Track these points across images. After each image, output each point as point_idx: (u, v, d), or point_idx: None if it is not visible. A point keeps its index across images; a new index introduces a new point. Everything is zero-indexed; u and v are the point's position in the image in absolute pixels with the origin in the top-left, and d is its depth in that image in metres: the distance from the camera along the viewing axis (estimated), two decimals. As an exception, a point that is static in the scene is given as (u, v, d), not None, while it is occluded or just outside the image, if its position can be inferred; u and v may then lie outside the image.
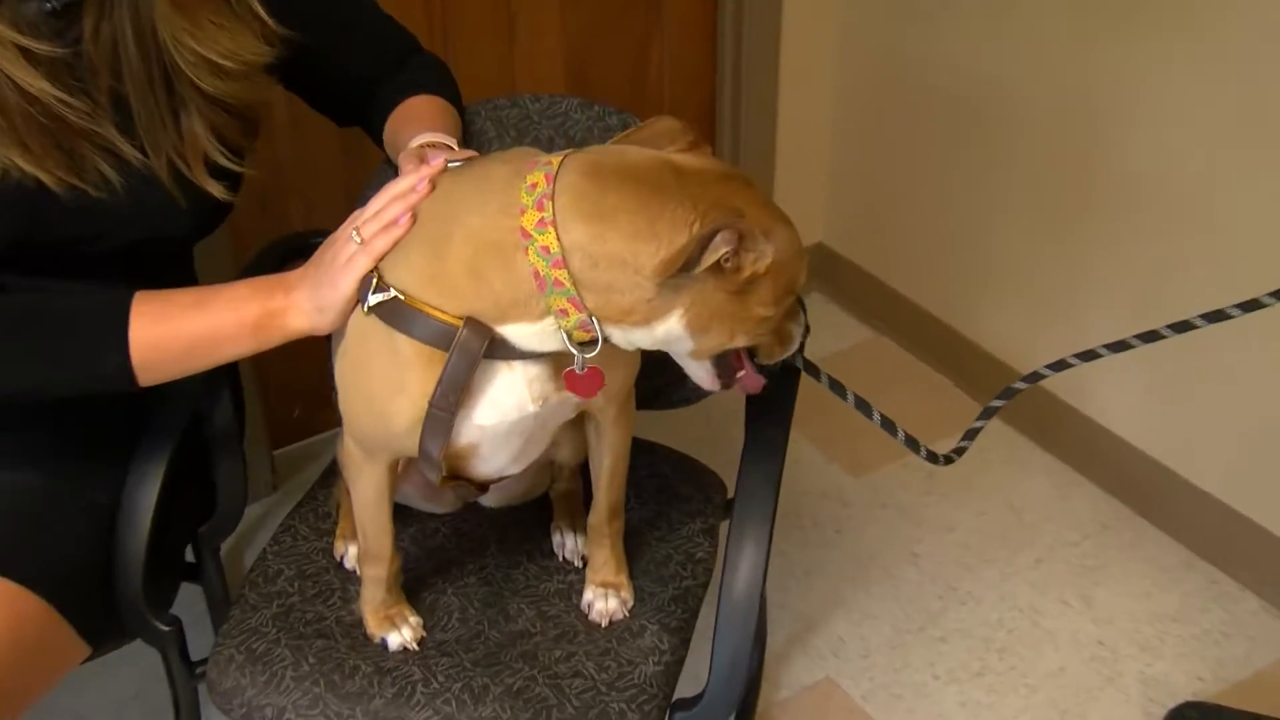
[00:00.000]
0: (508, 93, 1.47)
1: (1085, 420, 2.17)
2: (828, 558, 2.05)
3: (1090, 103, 1.98)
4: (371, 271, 1.06)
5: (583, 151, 1.04)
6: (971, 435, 1.29)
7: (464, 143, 1.36)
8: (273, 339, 1.13)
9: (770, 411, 1.31)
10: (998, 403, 1.28)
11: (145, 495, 1.27)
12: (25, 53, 1.08)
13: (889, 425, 1.23)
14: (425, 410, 1.05)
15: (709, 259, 0.95)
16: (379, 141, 1.38)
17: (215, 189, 1.21)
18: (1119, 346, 1.20)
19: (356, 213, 1.11)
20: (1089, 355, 1.22)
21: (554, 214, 0.97)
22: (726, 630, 1.20)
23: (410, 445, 1.09)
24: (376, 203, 1.08)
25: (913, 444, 1.24)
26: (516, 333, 1.03)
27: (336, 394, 1.16)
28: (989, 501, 2.17)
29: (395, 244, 1.05)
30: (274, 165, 1.98)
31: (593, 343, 1.03)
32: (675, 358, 1.09)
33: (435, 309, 1.02)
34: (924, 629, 1.92)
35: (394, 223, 1.05)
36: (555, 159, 1.01)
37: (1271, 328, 1.62)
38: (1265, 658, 1.84)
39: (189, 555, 1.50)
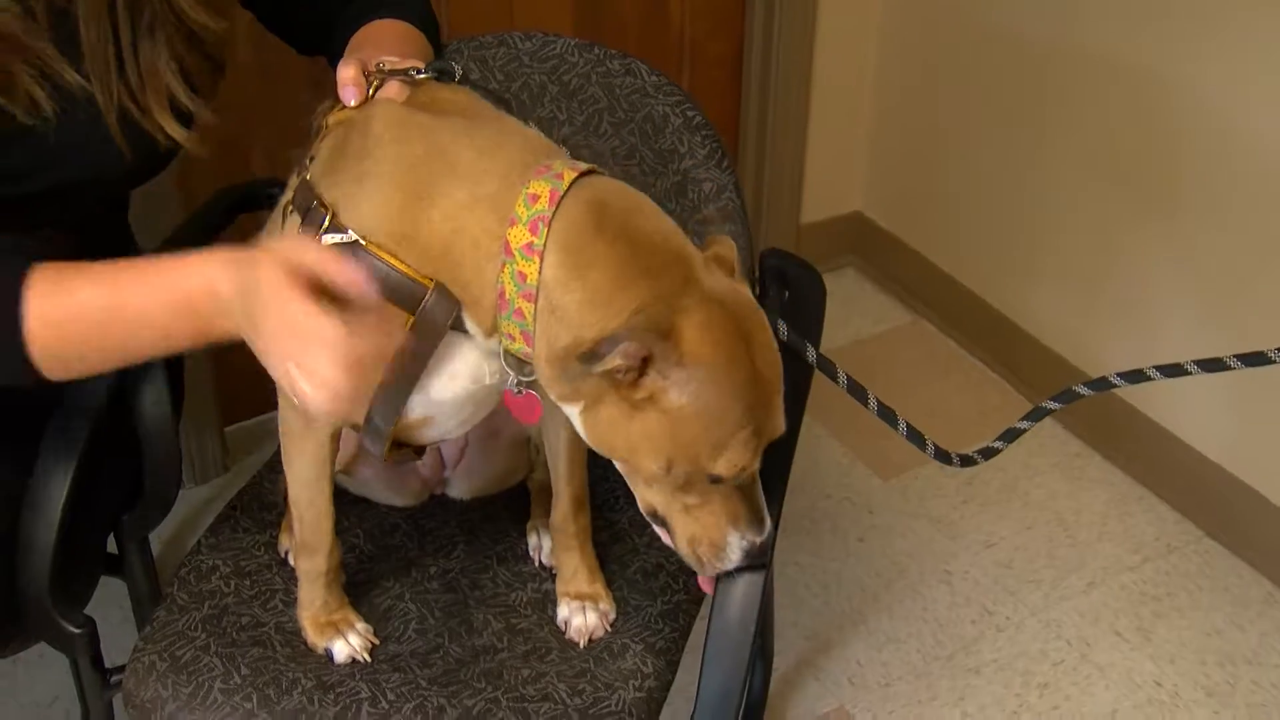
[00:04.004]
0: (504, 30, 1.45)
1: (1153, 426, 2.15)
2: (848, 571, 2.04)
3: (1177, 70, 1.94)
4: (323, 208, 1.04)
5: (601, 178, 1.05)
6: (1010, 437, 1.28)
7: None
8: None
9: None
10: (1052, 405, 1.27)
11: (58, 477, 1.25)
12: None
13: (915, 437, 1.22)
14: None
15: (604, 364, 0.97)
16: None
17: (177, 132, 1.19)
18: (1174, 371, 1.19)
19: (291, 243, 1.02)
20: (1136, 376, 1.21)
21: (545, 244, 0.99)
22: (716, 660, 1.19)
23: (357, 410, 1.09)
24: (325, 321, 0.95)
25: (918, 441, 1.24)
26: (467, 320, 1.07)
27: None
28: (1036, 514, 2.15)
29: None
30: (238, 112, 1.93)
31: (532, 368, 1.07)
32: None
33: (402, 263, 1.03)
34: (954, 657, 1.91)
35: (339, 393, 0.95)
36: (568, 173, 1.02)
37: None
38: (1354, 710, 1.84)
39: (112, 545, 1.48)
